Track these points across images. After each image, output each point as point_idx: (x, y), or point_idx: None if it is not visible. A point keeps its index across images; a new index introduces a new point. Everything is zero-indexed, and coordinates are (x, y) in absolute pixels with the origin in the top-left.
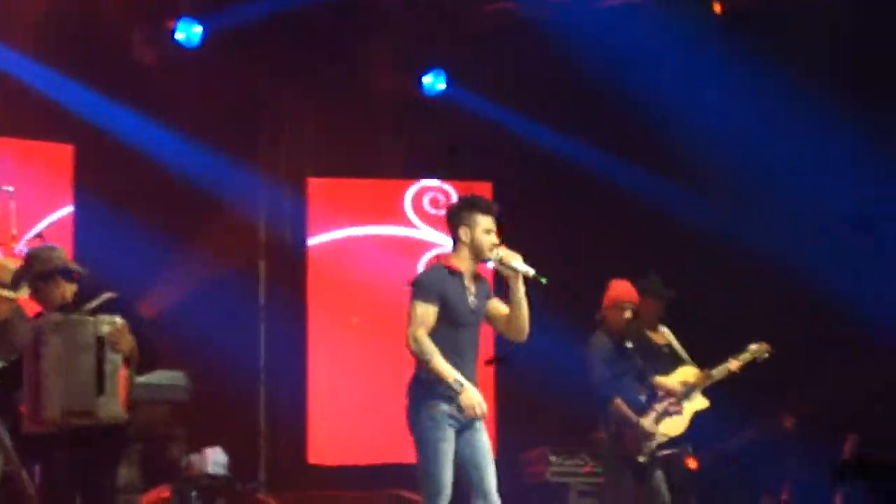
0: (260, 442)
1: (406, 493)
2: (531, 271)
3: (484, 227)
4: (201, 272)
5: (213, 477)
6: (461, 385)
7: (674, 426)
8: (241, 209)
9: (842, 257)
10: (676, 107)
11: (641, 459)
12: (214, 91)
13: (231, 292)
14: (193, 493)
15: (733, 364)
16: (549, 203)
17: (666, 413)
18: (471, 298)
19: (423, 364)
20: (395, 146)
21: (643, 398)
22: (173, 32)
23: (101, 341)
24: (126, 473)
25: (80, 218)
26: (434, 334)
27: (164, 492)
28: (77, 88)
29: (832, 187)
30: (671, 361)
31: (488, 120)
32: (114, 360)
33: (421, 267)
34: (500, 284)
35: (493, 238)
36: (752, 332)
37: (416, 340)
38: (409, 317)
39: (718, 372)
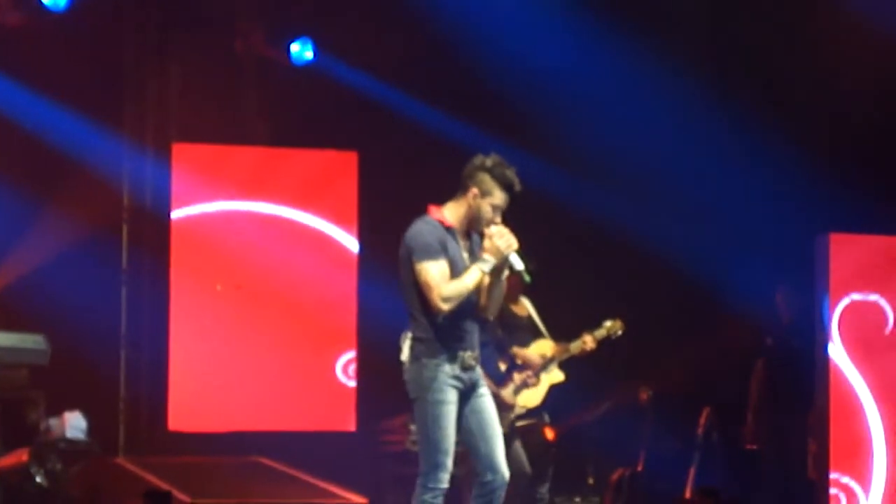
0: (120, 407)
1: (266, 461)
2: (518, 265)
3: (495, 200)
4: (64, 236)
5: (72, 441)
6: (485, 259)
7: (531, 398)
8: (104, 173)
9: (697, 234)
10: (542, 80)
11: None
12: (80, 54)
13: (93, 256)
14: (52, 457)
15: (588, 339)
16: (414, 173)
17: (524, 384)
18: (464, 255)
19: (462, 297)
20: (260, 113)
21: (502, 368)
22: None
23: None
24: None
25: None
26: None
27: (23, 455)
28: None
29: (692, 166)
30: (531, 333)
31: (355, 89)
32: None
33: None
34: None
35: (497, 217)
36: (610, 307)
37: (446, 300)
38: (424, 285)
39: (575, 346)
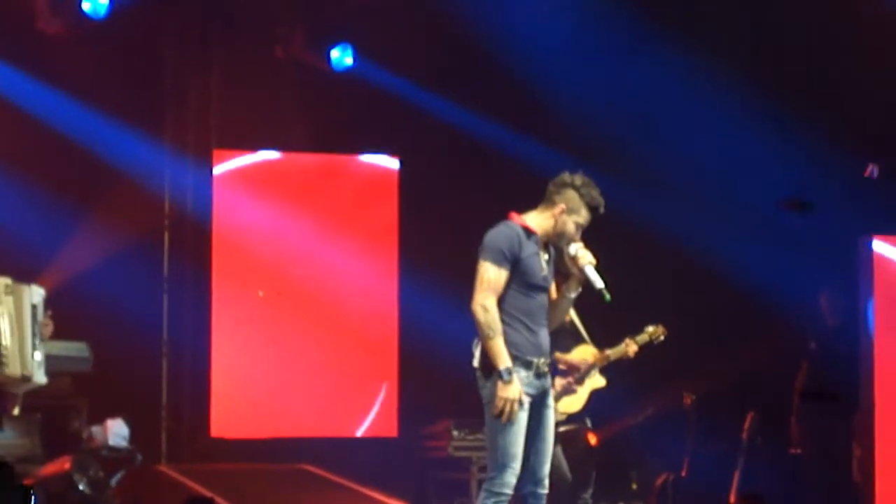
0: (162, 414)
1: (309, 467)
2: (599, 283)
3: (580, 219)
4: (105, 243)
5: (114, 449)
6: (510, 377)
7: (573, 403)
8: (146, 180)
9: (741, 237)
10: (582, 84)
11: None
12: (121, 62)
13: (135, 263)
14: (94, 465)
15: (630, 345)
16: (455, 178)
17: (566, 390)
18: (543, 263)
19: (481, 335)
20: (301, 119)
21: None
22: (80, 2)
23: (34, 309)
24: (27, 444)
25: None
26: (506, 297)
27: (65, 463)
28: None
29: (735, 169)
30: (572, 338)
31: (396, 95)
32: (39, 328)
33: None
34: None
35: (578, 236)
36: (654, 312)
37: (485, 310)
38: (479, 279)
39: (615, 352)
